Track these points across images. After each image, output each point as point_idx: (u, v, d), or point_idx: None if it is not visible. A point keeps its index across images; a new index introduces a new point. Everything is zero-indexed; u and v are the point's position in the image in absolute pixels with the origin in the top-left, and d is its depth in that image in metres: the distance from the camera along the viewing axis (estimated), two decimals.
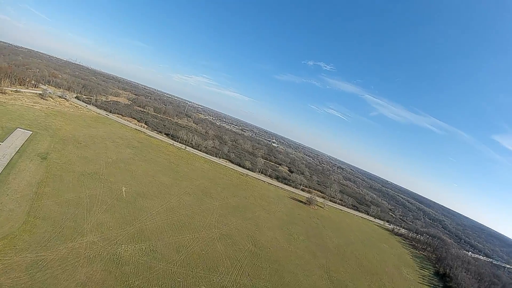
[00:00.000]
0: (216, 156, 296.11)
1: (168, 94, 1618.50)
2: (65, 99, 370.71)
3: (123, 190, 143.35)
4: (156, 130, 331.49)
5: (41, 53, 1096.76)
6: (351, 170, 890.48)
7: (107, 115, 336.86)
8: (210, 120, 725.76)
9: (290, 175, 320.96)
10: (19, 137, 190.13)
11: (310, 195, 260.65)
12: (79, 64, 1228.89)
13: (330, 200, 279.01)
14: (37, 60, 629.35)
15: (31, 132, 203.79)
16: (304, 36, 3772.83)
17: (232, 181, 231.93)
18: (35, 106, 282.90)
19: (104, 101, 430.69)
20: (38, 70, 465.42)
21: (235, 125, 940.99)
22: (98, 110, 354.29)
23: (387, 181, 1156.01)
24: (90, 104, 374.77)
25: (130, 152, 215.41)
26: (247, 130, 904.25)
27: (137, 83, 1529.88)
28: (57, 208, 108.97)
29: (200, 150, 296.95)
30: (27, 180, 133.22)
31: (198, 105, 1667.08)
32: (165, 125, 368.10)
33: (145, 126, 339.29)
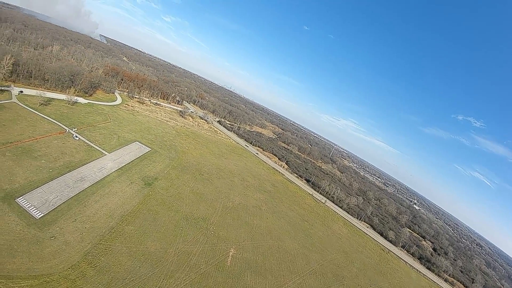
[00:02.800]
0: (357, 218, 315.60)
1: (314, 133, 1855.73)
2: (205, 121, 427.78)
3: (230, 253, 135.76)
4: (296, 173, 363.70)
5: (197, 75, 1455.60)
6: (489, 250, 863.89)
7: (246, 146, 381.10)
8: (354, 169, 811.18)
9: (433, 255, 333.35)
10: (132, 151, 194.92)
11: None
12: (232, 91, 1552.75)
13: None
14: (189, 80, 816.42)
15: (150, 149, 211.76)
16: (455, 87, 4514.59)
17: (372, 259, 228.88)
18: (169, 122, 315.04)
19: (248, 130, 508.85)
20: (186, 89, 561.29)
21: (378, 177, 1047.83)
22: (238, 139, 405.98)
23: None
24: (231, 131, 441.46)
25: (259, 198, 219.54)
26: (389, 185, 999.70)
27: (286, 118, 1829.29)
28: (126, 259, 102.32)
29: (341, 207, 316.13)
30: (110, 207, 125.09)
31: (343, 149, 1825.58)
32: (307, 169, 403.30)
33: (285, 166, 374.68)
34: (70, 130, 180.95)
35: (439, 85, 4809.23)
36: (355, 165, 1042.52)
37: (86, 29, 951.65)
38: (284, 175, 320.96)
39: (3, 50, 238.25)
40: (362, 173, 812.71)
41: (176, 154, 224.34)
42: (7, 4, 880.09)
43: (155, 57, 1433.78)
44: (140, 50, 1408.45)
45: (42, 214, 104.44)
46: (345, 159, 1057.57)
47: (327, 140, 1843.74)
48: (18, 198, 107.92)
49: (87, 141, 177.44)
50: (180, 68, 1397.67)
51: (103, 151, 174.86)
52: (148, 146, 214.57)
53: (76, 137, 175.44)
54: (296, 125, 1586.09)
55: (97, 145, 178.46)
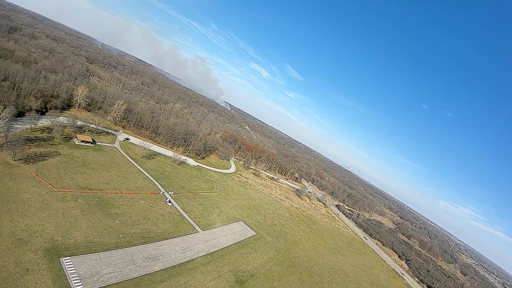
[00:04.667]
0: None
1: (431, 222, 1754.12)
2: (323, 204, 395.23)
3: None
4: (417, 277, 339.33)
5: (316, 152, 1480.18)
6: None
7: (364, 239, 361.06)
8: (474, 267, 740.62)
9: None
10: (232, 233, 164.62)
11: None
12: (350, 171, 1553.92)
13: None
14: (309, 157, 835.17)
15: (254, 234, 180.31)
16: None
17: None
18: (284, 201, 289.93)
19: (367, 218, 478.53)
20: (306, 166, 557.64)
21: (496, 276, 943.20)
22: (356, 229, 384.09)
23: None
24: (350, 218, 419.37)
25: None
26: (508, 286, 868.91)
27: (402, 203, 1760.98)
28: None
29: None
30: None
31: (460, 241, 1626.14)
32: (428, 271, 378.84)
33: (406, 267, 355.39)
34: (165, 193, 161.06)
35: None
36: (473, 261, 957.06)
37: (212, 94, 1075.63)
38: (405, 280, 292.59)
39: (118, 95, 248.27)
40: (481, 273, 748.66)
41: (285, 244, 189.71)
42: (143, 61, 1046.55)
43: (277, 129, 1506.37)
44: (263, 121, 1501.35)
45: None
46: (463, 253, 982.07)
47: (444, 230, 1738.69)
48: (64, 257, 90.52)
49: (180, 210, 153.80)
50: (300, 143, 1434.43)
51: (196, 227, 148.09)
52: (253, 229, 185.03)
53: (170, 202, 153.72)
54: (413, 212, 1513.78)
55: (191, 218, 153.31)
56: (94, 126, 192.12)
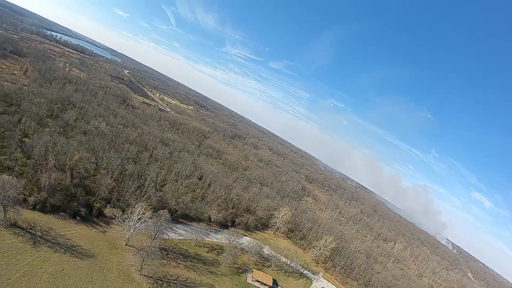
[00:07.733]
0: None
1: None
2: None
3: None
4: None
5: None
6: None
7: None
8: None
9: None
10: None
11: None
12: None
13: None
14: None
15: None
16: None
17: None
18: None
19: None
20: None
21: None
22: None
23: None
24: None
25: None
26: None
27: None
28: None
29: None
30: None
31: None
32: None
33: None
34: None
35: None
36: None
37: (432, 229, 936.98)
38: None
39: (330, 226, 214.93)
40: None
41: None
42: (363, 186, 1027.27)
43: (498, 273, 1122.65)
44: (483, 262, 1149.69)
45: None
46: None
47: None
48: None
49: None
50: None
51: None
52: None
53: None
54: None
55: None
56: (285, 260, 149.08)
